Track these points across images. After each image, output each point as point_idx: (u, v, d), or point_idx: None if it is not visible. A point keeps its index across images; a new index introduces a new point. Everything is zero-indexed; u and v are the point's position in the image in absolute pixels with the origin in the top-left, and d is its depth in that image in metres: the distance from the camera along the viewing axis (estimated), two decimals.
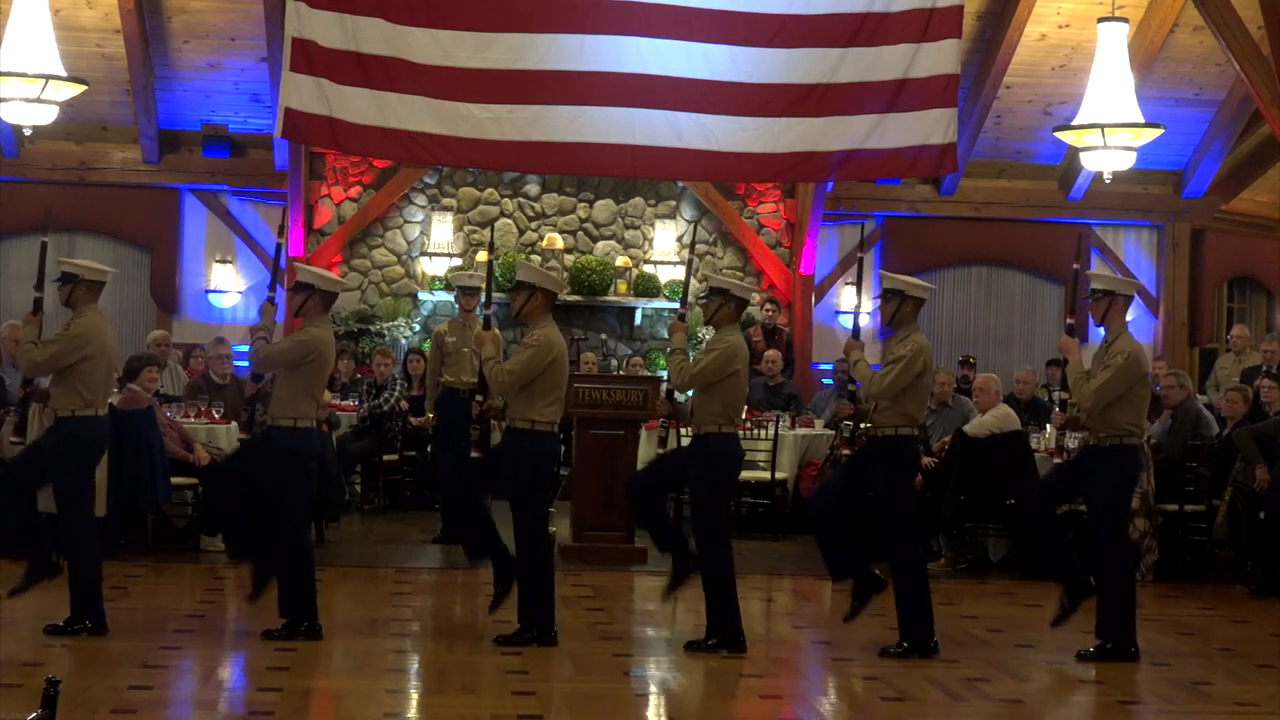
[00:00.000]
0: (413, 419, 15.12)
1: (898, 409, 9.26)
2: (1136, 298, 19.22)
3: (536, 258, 18.07)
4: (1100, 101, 15.57)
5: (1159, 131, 15.61)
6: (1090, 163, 16.21)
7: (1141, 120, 15.55)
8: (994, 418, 12.71)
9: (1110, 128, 15.41)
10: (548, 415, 9.16)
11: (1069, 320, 9.71)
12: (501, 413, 9.36)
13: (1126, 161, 15.83)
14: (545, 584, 9.17)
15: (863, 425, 9.62)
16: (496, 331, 9.81)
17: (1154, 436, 13.00)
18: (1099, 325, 9.60)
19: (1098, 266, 19.50)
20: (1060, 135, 16.15)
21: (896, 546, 9.33)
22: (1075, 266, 9.92)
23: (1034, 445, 13.00)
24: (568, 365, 9.40)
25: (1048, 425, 13.73)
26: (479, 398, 9.52)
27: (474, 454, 9.45)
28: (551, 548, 9.80)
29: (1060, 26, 17.24)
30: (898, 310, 9.49)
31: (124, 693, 7.66)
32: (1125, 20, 16.11)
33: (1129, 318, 18.92)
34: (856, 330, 9.79)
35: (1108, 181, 16.55)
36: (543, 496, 9.45)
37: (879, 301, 9.68)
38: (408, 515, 14.87)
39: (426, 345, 16.81)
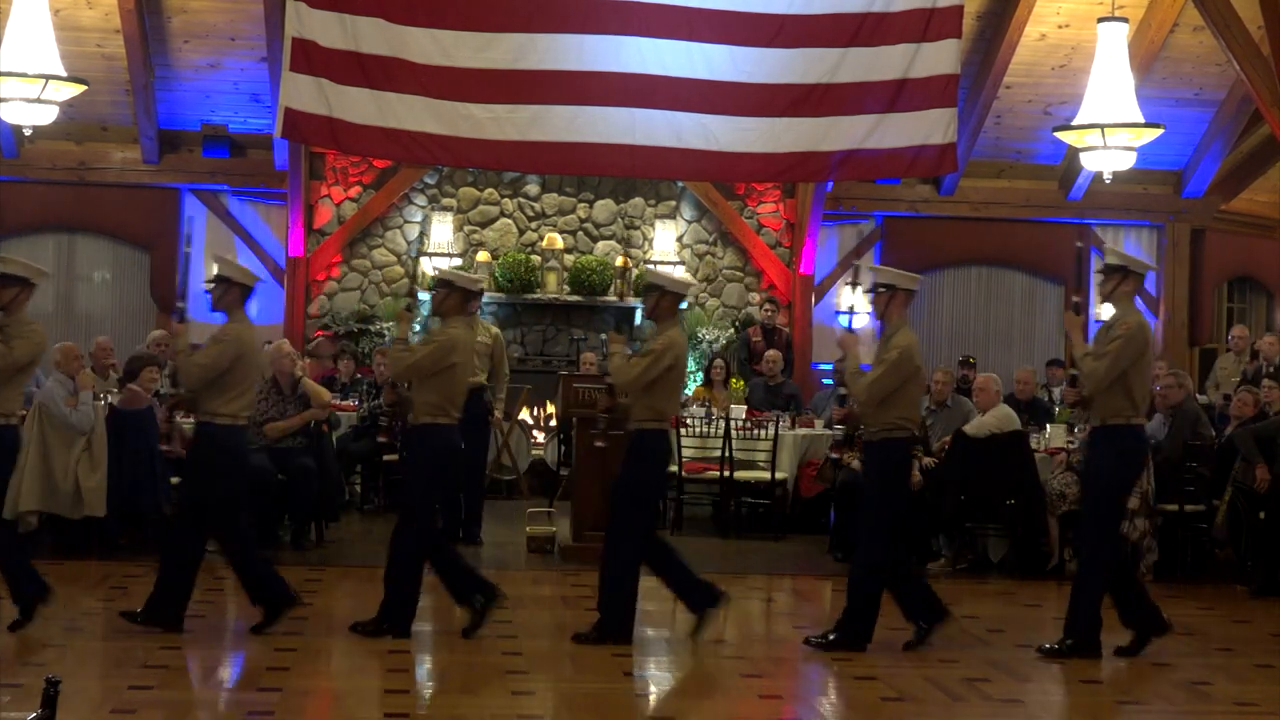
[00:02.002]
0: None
1: (886, 413, 9.23)
2: (1136, 297, 19.37)
3: (537, 257, 18.08)
4: (1100, 101, 15.57)
5: (1159, 131, 15.61)
6: (1090, 163, 16.21)
7: (1141, 120, 15.54)
8: (994, 418, 12.71)
9: (1110, 128, 15.40)
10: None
11: (1075, 299, 9.66)
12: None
13: (1126, 161, 15.83)
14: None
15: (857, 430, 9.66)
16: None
17: (1153, 436, 13.01)
18: (1104, 301, 9.51)
19: (1097, 267, 19.50)
20: (1060, 135, 16.15)
21: (868, 546, 9.37)
22: (1078, 245, 9.84)
23: (1034, 445, 13.01)
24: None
25: (1048, 425, 13.77)
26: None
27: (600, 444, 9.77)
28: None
29: (1060, 26, 17.24)
30: (889, 304, 9.43)
31: (124, 692, 7.67)
32: (1125, 20, 16.11)
33: None
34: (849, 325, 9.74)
35: (1107, 181, 16.55)
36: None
37: (871, 296, 9.65)
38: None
39: None
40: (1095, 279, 9.65)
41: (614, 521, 9.42)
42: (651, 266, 10.69)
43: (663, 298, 9.45)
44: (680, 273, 10.13)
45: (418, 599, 9.32)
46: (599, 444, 9.92)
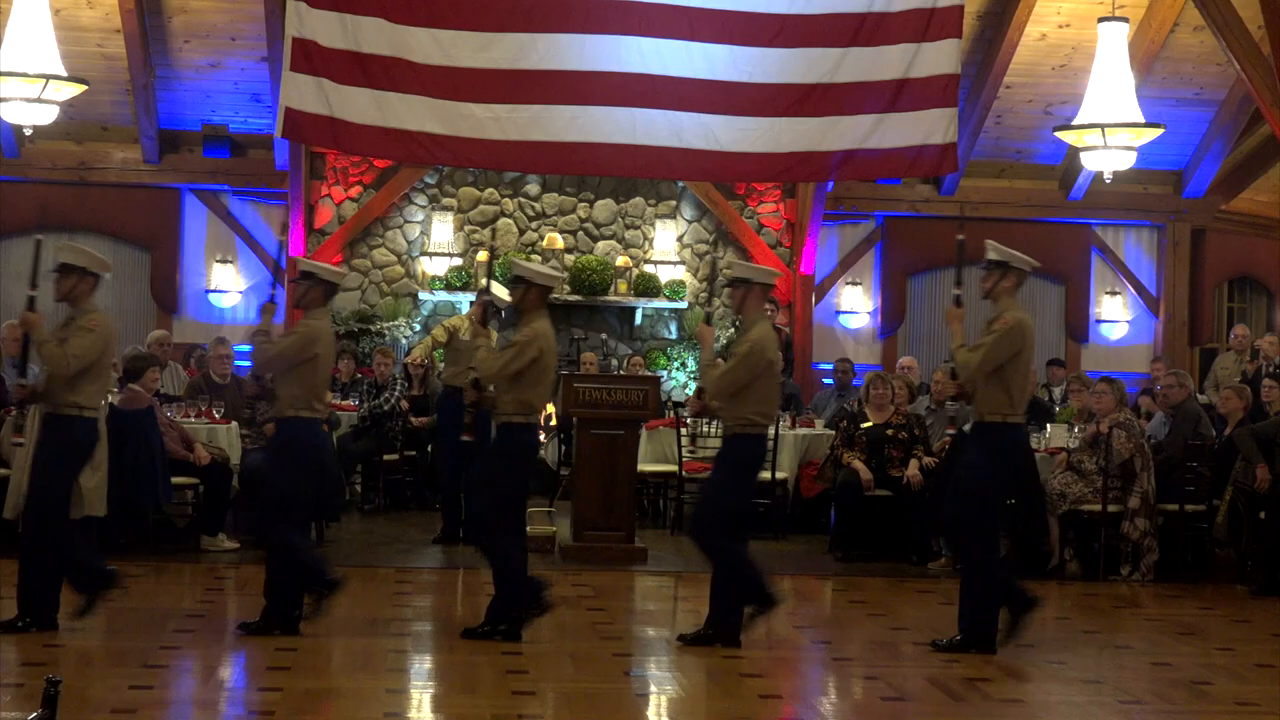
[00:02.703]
0: (413, 419, 15.13)
1: (740, 407, 9.23)
2: (1137, 297, 19.41)
3: (537, 257, 18.08)
4: (1100, 101, 15.58)
5: (1159, 131, 15.61)
6: (1090, 162, 16.22)
7: (1142, 120, 15.55)
8: None
9: (1110, 127, 15.41)
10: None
11: (955, 292, 9.62)
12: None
13: (1127, 161, 15.84)
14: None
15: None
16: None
17: (1154, 436, 13.01)
18: (985, 297, 9.49)
19: (1098, 267, 19.52)
20: (1060, 135, 16.16)
21: (705, 535, 9.40)
22: (959, 238, 9.69)
23: (1034, 445, 13.00)
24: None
25: (1048, 425, 13.78)
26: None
27: (465, 437, 9.67)
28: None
29: (1060, 26, 17.24)
30: (744, 298, 9.41)
31: (124, 692, 7.66)
32: (1125, 20, 16.11)
33: (1129, 317, 18.99)
34: (709, 318, 9.70)
35: (1108, 181, 16.55)
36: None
37: (728, 290, 9.66)
38: (408, 515, 14.88)
39: (437, 354, 16.83)
40: (978, 278, 9.53)
41: (480, 518, 9.42)
42: (522, 261, 10.76)
43: (529, 290, 9.41)
44: (545, 267, 10.24)
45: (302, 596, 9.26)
46: (465, 438, 9.90)
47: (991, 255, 9.43)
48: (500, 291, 13.90)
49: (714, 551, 9.35)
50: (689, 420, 14.13)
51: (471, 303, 14.23)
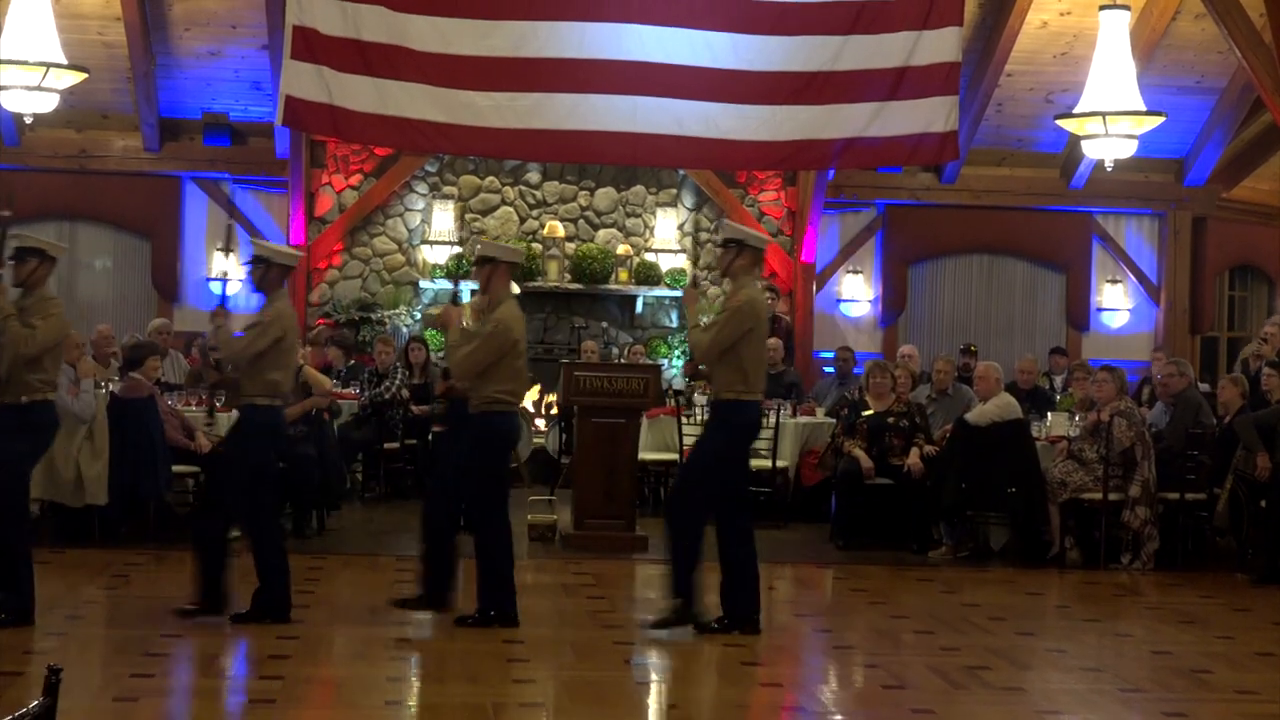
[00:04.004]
0: (414, 407, 15.13)
1: (486, 386, 9.27)
2: (1138, 285, 19.41)
3: (538, 246, 18.08)
4: (1102, 89, 15.56)
5: (1160, 119, 15.60)
6: (1092, 150, 16.20)
7: (1143, 108, 15.54)
8: (995, 406, 12.71)
9: (1112, 115, 15.39)
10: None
11: (695, 273, 9.64)
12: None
13: (1128, 149, 15.82)
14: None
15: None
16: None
17: (1155, 425, 13.01)
18: (723, 276, 9.48)
19: (1099, 255, 19.51)
20: (1062, 123, 16.15)
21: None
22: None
23: (1035, 433, 13.01)
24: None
25: (1049, 413, 13.78)
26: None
27: (436, 427, 9.74)
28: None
29: (1062, 14, 17.23)
30: (490, 277, 9.43)
31: (126, 680, 7.67)
32: (1127, 8, 16.09)
33: (1130, 306, 18.97)
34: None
35: (1109, 169, 16.53)
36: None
37: (474, 269, 9.64)
38: (408, 503, 14.84)
39: (429, 334, 16.84)
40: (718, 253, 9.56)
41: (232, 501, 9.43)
42: (262, 240, 10.77)
43: (270, 269, 9.40)
44: (284, 246, 10.26)
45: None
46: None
47: (725, 234, 9.50)
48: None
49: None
50: (689, 405, 14.14)
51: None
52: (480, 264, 9.49)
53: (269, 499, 9.52)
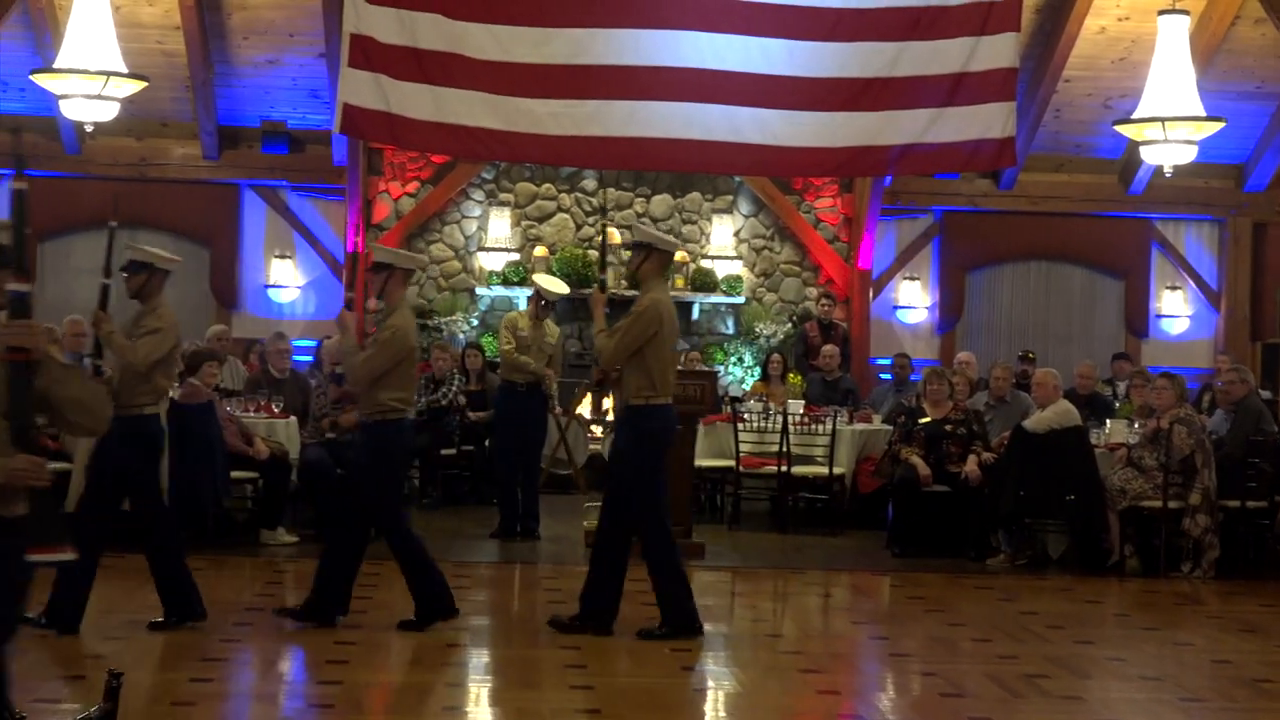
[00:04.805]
0: (470, 414, 15.17)
1: (379, 394, 9.20)
2: (1198, 292, 19.28)
3: (594, 253, 18.09)
4: (1161, 95, 15.46)
5: (1220, 125, 15.49)
6: (1151, 156, 16.10)
7: (1202, 113, 15.42)
8: (1053, 413, 12.65)
9: (1171, 121, 15.29)
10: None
11: (600, 277, 9.53)
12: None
13: (1187, 155, 15.72)
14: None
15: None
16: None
17: (1215, 432, 12.92)
18: (631, 278, 9.40)
19: (1158, 261, 19.39)
20: (1120, 129, 16.05)
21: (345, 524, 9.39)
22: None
23: (1094, 440, 12.94)
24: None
25: (1108, 420, 13.70)
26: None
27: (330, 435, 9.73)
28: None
29: (1120, 19, 17.13)
30: (387, 283, 9.35)
31: (185, 685, 7.72)
32: (1186, 13, 15.98)
33: (1190, 312, 18.85)
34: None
35: (1168, 175, 16.42)
36: None
37: (371, 274, 9.50)
38: (465, 510, 14.92)
39: (485, 339, 16.89)
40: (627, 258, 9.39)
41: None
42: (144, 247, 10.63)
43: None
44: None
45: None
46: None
47: (635, 237, 9.45)
48: (548, 284, 13.95)
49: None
50: (742, 415, 14.13)
51: (528, 298, 14.27)
52: (376, 270, 9.36)
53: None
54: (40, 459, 5.11)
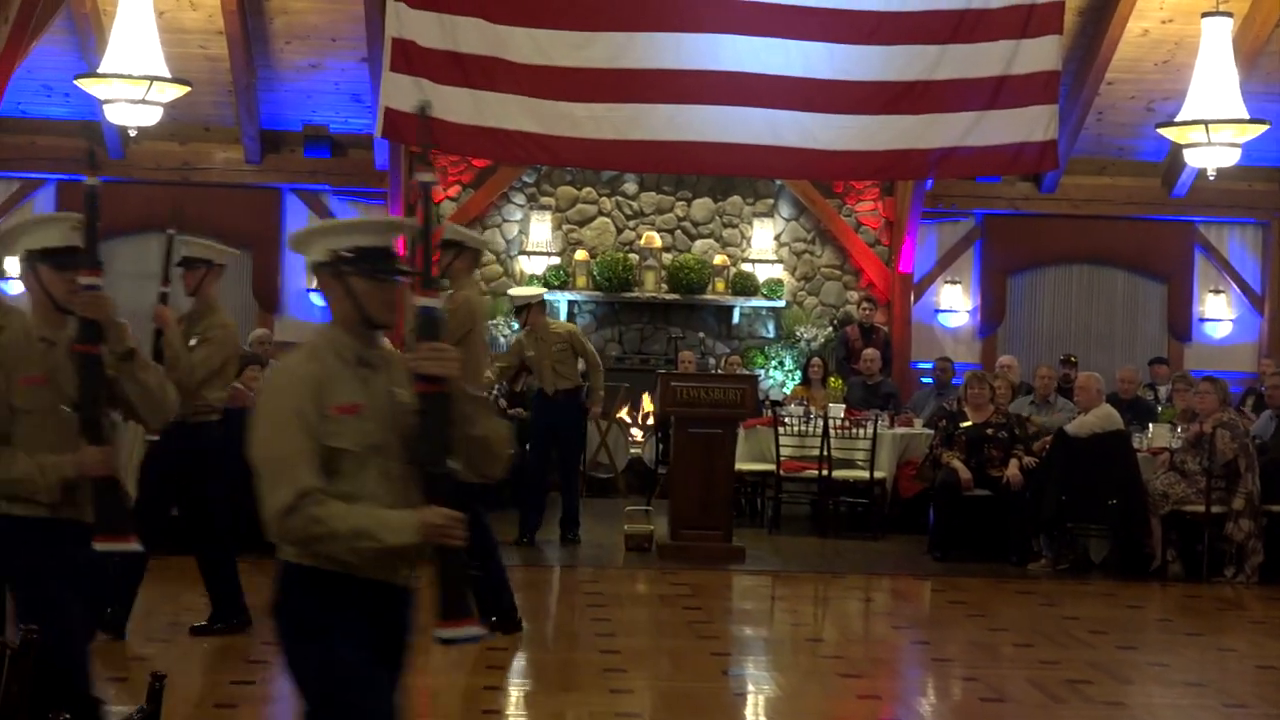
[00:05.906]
0: (510, 411, 15.20)
1: (200, 394, 8.98)
2: (1241, 295, 19.16)
3: (635, 257, 18.10)
4: (1204, 97, 15.38)
5: (1264, 127, 15.39)
6: (1194, 159, 16.02)
7: (1246, 116, 15.34)
8: (1095, 417, 12.60)
9: (1214, 124, 15.21)
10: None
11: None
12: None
13: (1231, 158, 15.63)
14: None
15: None
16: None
17: (1260, 436, 12.85)
18: (441, 277, 9.29)
19: (1201, 265, 19.28)
20: (1163, 132, 15.97)
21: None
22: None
23: (1137, 445, 12.88)
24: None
25: (1151, 425, 13.64)
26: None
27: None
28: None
29: (1163, 22, 17.05)
30: (202, 280, 9.10)
31: (226, 687, 7.76)
32: (1230, 15, 15.88)
33: (1233, 316, 18.72)
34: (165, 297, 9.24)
35: (1212, 178, 16.34)
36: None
37: (182, 271, 9.17)
38: (503, 513, 14.91)
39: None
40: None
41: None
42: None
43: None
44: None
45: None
46: None
47: (446, 235, 9.34)
48: (519, 291, 13.96)
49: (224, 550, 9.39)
50: (783, 419, 14.12)
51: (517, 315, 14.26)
52: (190, 266, 9.09)
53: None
54: (110, 449, 5.15)
